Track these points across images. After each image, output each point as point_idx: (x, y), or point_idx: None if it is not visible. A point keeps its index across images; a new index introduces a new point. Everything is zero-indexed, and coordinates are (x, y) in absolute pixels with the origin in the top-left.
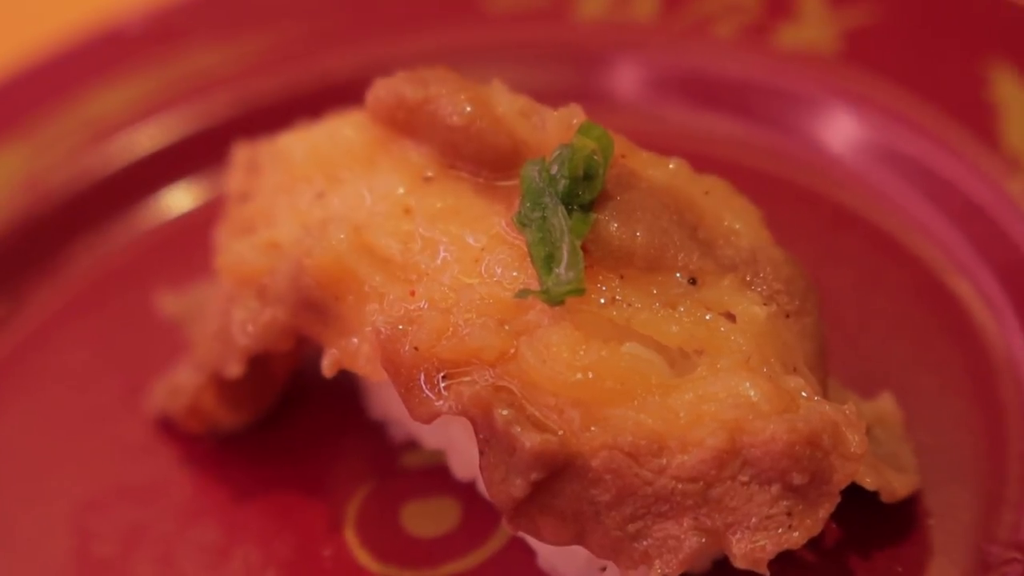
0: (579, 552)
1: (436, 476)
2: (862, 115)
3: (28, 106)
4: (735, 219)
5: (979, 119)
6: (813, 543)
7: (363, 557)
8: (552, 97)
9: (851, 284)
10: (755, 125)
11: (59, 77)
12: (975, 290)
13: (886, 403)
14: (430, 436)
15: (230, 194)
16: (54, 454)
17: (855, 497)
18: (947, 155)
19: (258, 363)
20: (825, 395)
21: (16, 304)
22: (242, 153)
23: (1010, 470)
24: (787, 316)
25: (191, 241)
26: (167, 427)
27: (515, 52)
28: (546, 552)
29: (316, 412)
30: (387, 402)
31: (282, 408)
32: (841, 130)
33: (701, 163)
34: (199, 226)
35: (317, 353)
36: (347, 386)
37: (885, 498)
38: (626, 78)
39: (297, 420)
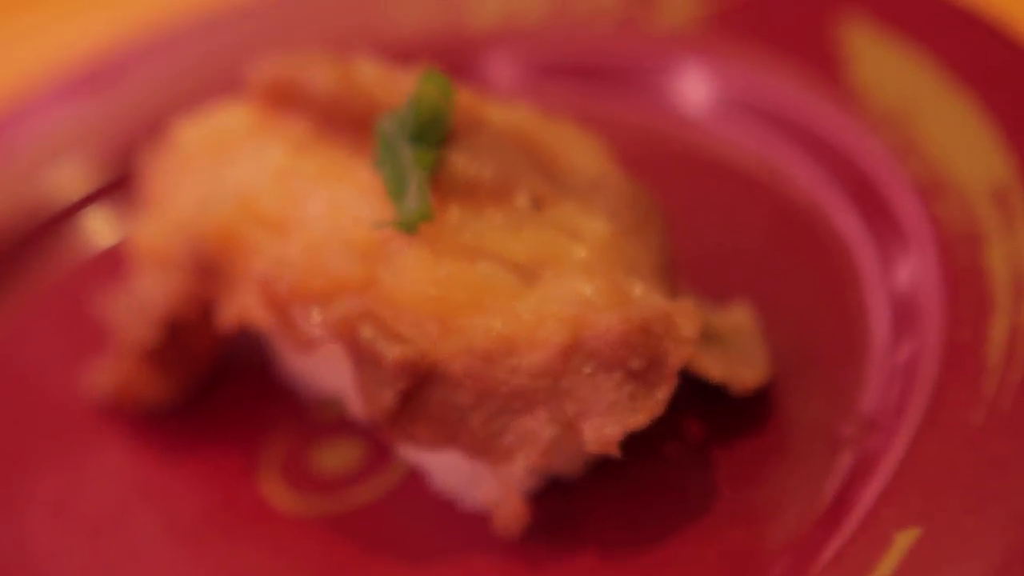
0: (464, 469)
1: (343, 424)
2: (721, 77)
3: None
4: (583, 154)
5: (829, 64)
6: (678, 438)
7: (279, 500)
8: None
9: (719, 222)
10: (624, 99)
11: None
12: (829, 215)
13: (741, 311)
14: (331, 382)
15: (146, 190)
16: (4, 444)
17: (716, 397)
18: (801, 101)
19: (179, 339)
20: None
21: None
22: (154, 152)
23: (853, 359)
24: (630, 232)
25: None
26: (107, 410)
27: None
28: (437, 473)
29: (238, 384)
30: (295, 364)
31: (210, 386)
32: (705, 92)
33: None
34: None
35: (237, 338)
36: (266, 361)
37: (734, 390)
38: (505, 69)
39: (222, 393)
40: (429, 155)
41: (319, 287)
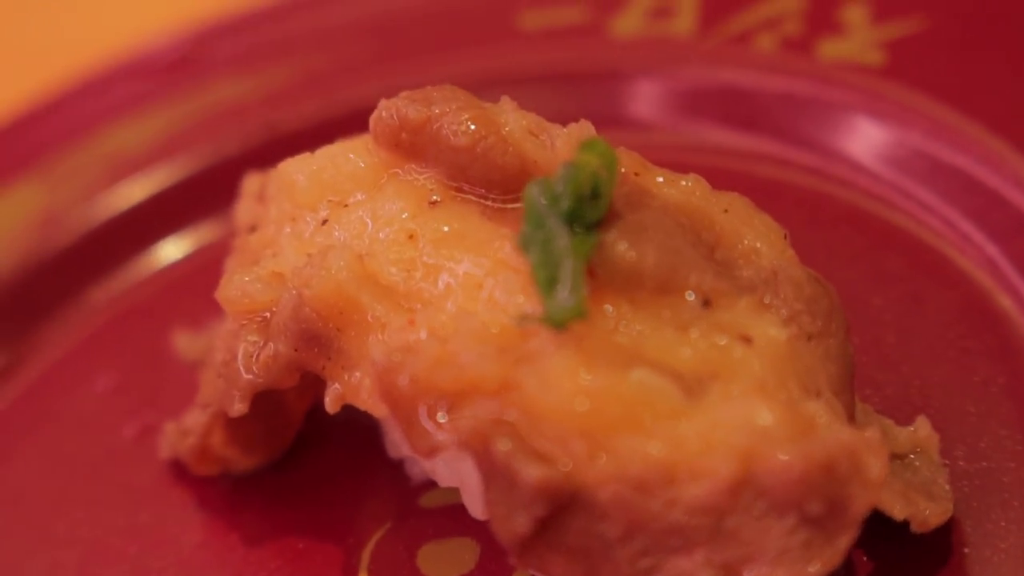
0: None
1: (454, 516)
2: (902, 129)
3: (45, 143)
4: (756, 238)
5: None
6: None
7: None
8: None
9: (892, 306)
10: (791, 142)
11: (76, 113)
12: (1020, 309)
13: (922, 428)
14: (446, 474)
15: (239, 225)
16: (64, 497)
17: (887, 527)
18: (990, 170)
19: (270, 401)
20: (852, 420)
21: (30, 344)
22: (252, 183)
23: None
24: (809, 339)
25: (211, 279)
26: (179, 470)
27: (542, 74)
28: None
29: (333, 452)
30: (404, 441)
31: (298, 448)
32: (880, 145)
33: (734, 182)
34: (218, 263)
35: None
36: (365, 424)
37: (916, 528)
38: (657, 96)
39: (313, 461)
40: (587, 241)
41: (449, 385)
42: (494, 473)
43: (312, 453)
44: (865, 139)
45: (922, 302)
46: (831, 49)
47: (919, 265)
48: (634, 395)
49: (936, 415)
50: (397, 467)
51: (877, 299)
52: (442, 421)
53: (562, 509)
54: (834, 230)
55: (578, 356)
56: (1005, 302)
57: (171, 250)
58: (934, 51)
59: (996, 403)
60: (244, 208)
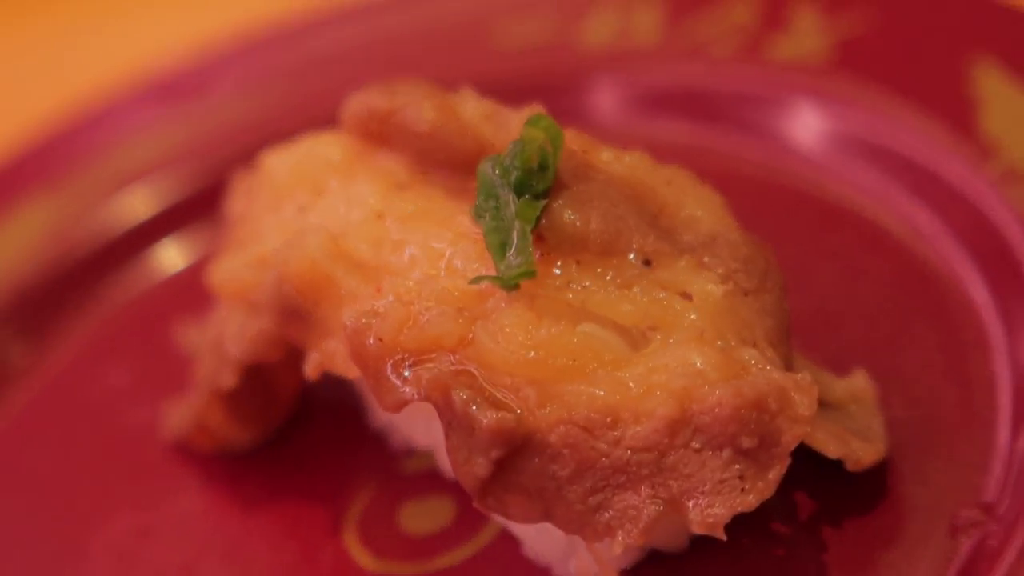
0: (558, 536)
1: (432, 479)
2: (843, 115)
3: (67, 159)
4: (696, 206)
5: (958, 112)
6: (788, 516)
7: (361, 557)
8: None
9: (835, 274)
10: (741, 134)
11: (95, 132)
12: (952, 274)
13: (859, 379)
14: (423, 437)
15: (229, 219)
16: (80, 474)
17: (830, 471)
18: (927, 147)
19: (260, 379)
20: (788, 369)
21: (51, 343)
22: (240, 179)
23: (976, 437)
24: (745, 294)
25: None
26: (183, 451)
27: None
28: (530, 540)
29: (322, 428)
30: (373, 398)
31: (290, 427)
32: (823, 131)
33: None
34: None
35: (321, 376)
36: (351, 404)
37: (850, 466)
38: (615, 98)
39: (305, 436)
40: (534, 207)
41: (411, 343)
42: (454, 421)
43: (302, 431)
44: (808, 127)
45: (863, 271)
46: (780, 48)
47: (861, 238)
48: (581, 346)
49: (875, 370)
50: (381, 440)
51: (821, 269)
52: (407, 376)
53: (517, 452)
54: (782, 211)
55: (529, 312)
56: (940, 267)
57: (177, 257)
58: (877, 43)
59: (931, 358)
60: (233, 203)
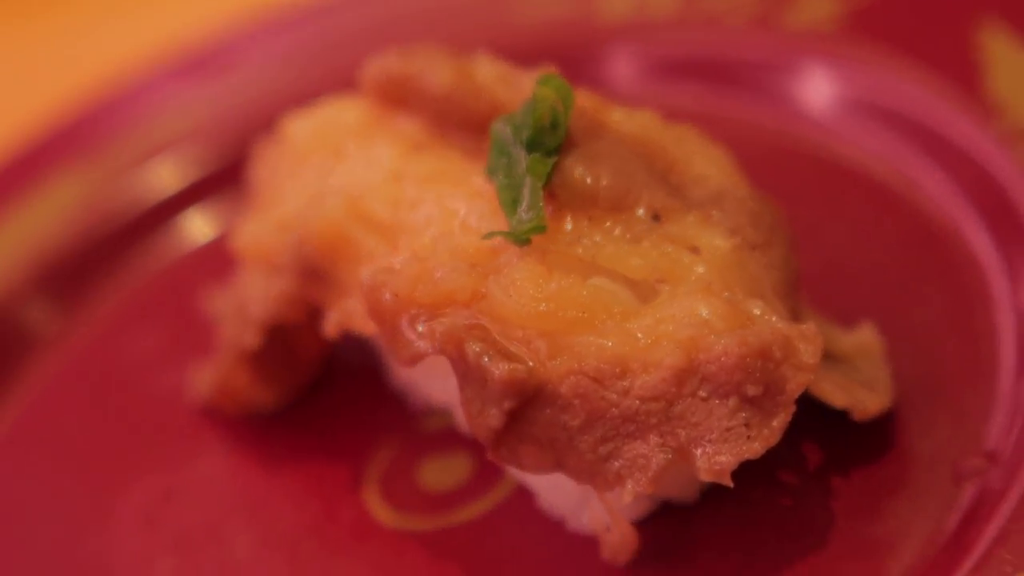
0: (572, 489)
1: (450, 437)
2: (853, 79)
3: (101, 133)
4: (705, 164)
5: (965, 74)
6: (795, 466)
7: (382, 513)
8: None
9: (847, 233)
10: (753, 99)
11: (128, 106)
12: (960, 232)
13: (866, 333)
14: (441, 395)
15: (253, 185)
16: (113, 436)
17: (837, 422)
18: (935, 109)
19: (284, 341)
20: (796, 322)
21: (85, 311)
22: (263, 147)
23: (979, 387)
24: (753, 248)
25: None
26: (212, 414)
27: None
28: (544, 492)
29: (344, 390)
30: (389, 353)
31: (314, 389)
32: (834, 95)
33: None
34: None
35: (343, 340)
36: (372, 365)
37: (856, 416)
38: (631, 67)
39: (327, 398)
40: (545, 163)
41: (426, 298)
42: (468, 374)
43: (324, 393)
44: (819, 92)
45: (872, 229)
46: (791, 16)
47: (870, 198)
48: (590, 299)
49: (882, 324)
50: (400, 399)
51: (832, 227)
52: (421, 330)
53: (529, 402)
54: (794, 173)
55: (540, 266)
56: (947, 225)
57: (204, 227)
58: (883, 12)
59: (937, 312)
60: (256, 170)
